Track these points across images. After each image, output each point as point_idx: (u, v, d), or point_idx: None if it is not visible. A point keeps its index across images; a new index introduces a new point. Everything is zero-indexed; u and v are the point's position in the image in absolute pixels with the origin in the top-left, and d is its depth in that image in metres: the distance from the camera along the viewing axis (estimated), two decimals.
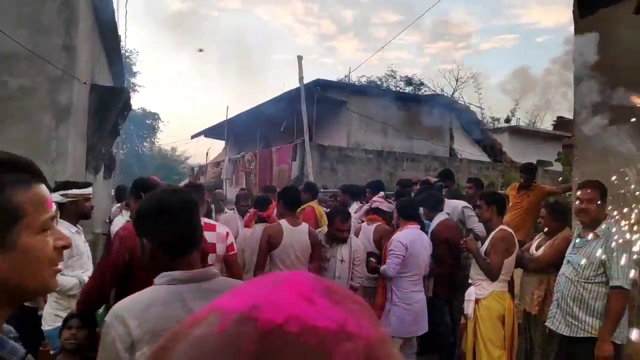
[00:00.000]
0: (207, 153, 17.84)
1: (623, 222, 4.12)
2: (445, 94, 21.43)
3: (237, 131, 15.45)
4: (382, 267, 3.62)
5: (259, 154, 12.77)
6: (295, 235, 3.57)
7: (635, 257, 2.88)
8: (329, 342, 0.32)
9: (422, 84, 24.69)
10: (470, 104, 18.44)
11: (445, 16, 51.22)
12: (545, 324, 3.25)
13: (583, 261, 2.98)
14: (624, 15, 4.17)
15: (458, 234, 4.11)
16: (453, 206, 4.73)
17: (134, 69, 26.67)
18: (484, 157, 14.16)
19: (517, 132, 16.52)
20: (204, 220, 3.12)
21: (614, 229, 2.93)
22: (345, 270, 3.61)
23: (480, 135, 14.53)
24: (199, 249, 1.48)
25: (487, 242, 3.74)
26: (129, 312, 1.26)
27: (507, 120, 19.22)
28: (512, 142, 15.39)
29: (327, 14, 58.51)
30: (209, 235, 3.05)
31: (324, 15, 57.47)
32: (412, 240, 3.62)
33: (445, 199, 4.80)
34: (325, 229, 3.90)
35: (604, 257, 2.88)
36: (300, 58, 10.42)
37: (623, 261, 2.80)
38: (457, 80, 25.22)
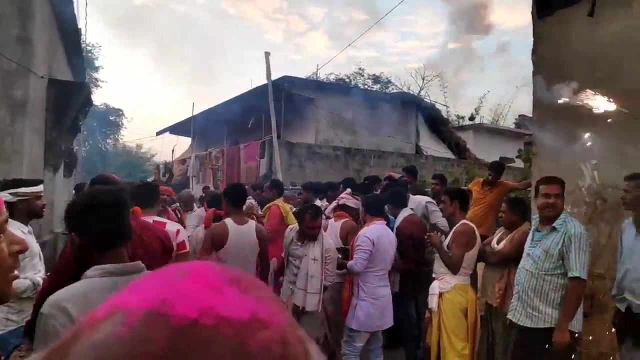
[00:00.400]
0: (173, 150, 17.51)
1: (578, 216, 4.31)
2: (412, 92, 21.76)
3: (204, 128, 15.22)
4: (350, 263, 3.65)
5: (226, 151, 12.62)
6: (242, 233, 3.51)
7: (589, 249, 3.01)
8: (244, 333, 0.31)
9: (389, 82, 25.01)
10: (435, 102, 18.79)
11: (412, 15, 51.99)
12: (507, 316, 3.35)
13: (542, 254, 3.08)
14: (580, 17, 4.32)
15: (422, 230, 4.18)
16: (417, 201, 4.82)
17: (96, 63, 25.85)
18: (449, 154, 14.46)
19: (481, 130, 16.96)
20: (154, 218, 3.10)
21: (570, 223, 3.04)
22: (318, 269, 3.57)
23: (445, 133, 14.84)
24: (126, 244, 1.53)
25: (449, 236, 3.84)
26: (69, 300, 1.27)
27: (472, 119, 19.71)
28: (476, 139, 15.79)
29: (296, 10, 58.36)
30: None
31: (293, 12, 57.31)
32: (378, 235, 3.66)
33: (410, 195, 4.88)
34: (295, 226, 3.88)
35: (562, 249, 2.99)
36: (267, 54, 10.35)
37: (580, 253, 2.91)
38: (423, 79, 25.66)
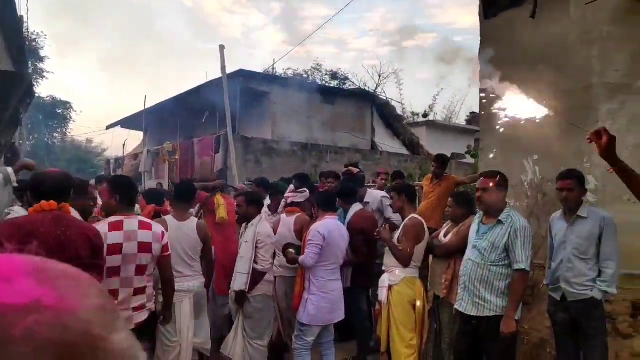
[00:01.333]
0: (124, 145, 16.93)
1: (520, 209, 4.51)
2: (368, 89, 22.02)
3: (156, 122, 14.80)
4: (301, 258, 3.66)
5: (180, 146, 12.33)
6: (182, 230, 3.48)
7: (532, 241, 3.15)
8: (12, 318, 0.32)
9: (346, 78, 25.18)
10: (391, 99, 19.09)
11: (370, 12, 52.52)
12: (455, 306, 3.46)
13: (489, 246, 3.20)
14: (523, 18, 4.51)
15: (373, 224, 4.25)
16: (374, 196, 4.90)
17: (42, 53, 24.53)
18: (403, 150, 14.76)
19: (434, 127, 17.41)
20: (140, 218, 2.99)
21: (515, 217, 3.17)
22: (248, 251, 3.77)
23: (399, 130, 15.13)
24: None
25: (399, 230, 3.92)
26: None
27: (425, 116, 20.18)
28: (429, 136, 16.19)
29: (255, 4, 57.65)
30: (145, 235, 2.90)
31: (252, 5, 56.58)
32: (329, 230, 3.69)
33: (368, 189, 4.96)
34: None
35: (507, 242, 3.11)
36: (222, 48, 10.14)
37: (525, 246, 3.04)
38: (379, 76, 26.00)
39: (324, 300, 3.64)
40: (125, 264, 2.82)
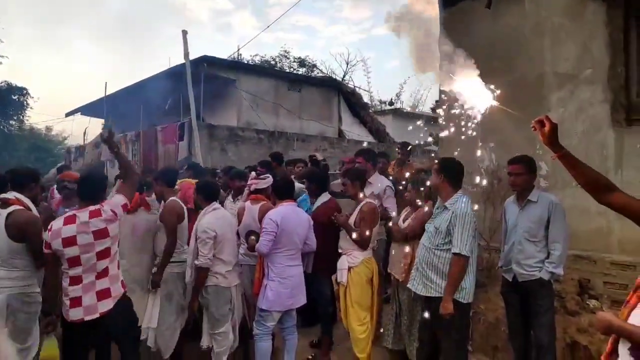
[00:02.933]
0: (84, 132, 16.39)
1: (476, 195, 4.65)
2: (336, 77, 22.02)
3: (118, 109, 14.37)
4: (257, 245, 3.68)
5: (142, 134, 12.04)
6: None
7: (473, 227, 3.17)
8: None
9: (314, 66, 25.07)
10: (359, 87, 19.19)
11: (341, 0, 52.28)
12: (407, 285, 3.56)
13: (434, 230, 3.30)
14: (479, 9, 4.61)
15: (339, 212, 4.26)
16: (380, 182, 4.90)
17: None
18: (370, 138, 14.88)
19: (400, 115, 17.62)
20: (90, 208, 2.98)
21: (459, 202, 3.24)
22: (192, 244, 3.79)
23: (365, 118, 15.23)
24: None
25: (354, 215, 4.00)
26: None
27: (391, 104, 20.38)
28: (395, 123, 16.38)
29: None
30: (97, 222, 2.95)
31: None
32: (283, 216, 3.70)
33: (377, 174, 4.99)
34: None
35: (449, 226, 3.20)
36: (185, 33, 9.93)
37: (463, 231, 3.11)
38: (347, 64, 26.02)
39: (282, 285, 3.67)
40: (84, 253, 2.89)
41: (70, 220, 2.92)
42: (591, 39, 3.97)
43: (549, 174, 4.20)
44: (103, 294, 2.92)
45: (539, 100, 4.21)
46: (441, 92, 5.16)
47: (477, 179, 4.74)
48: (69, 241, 2.86)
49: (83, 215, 2.94)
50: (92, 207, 2.99)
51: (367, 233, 3.87)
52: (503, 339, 4.12)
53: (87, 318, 2.86)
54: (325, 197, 4.46)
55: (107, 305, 2.92)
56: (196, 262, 3.67)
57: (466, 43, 4.84)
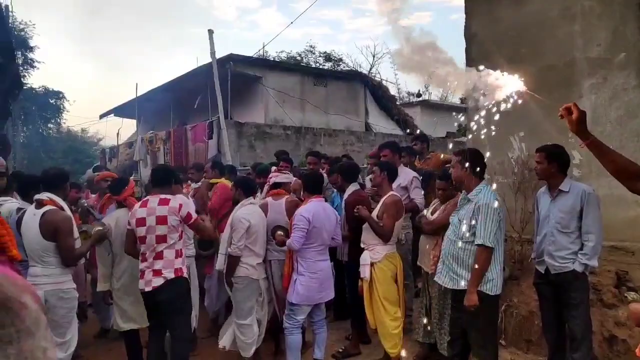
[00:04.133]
0: (118, 133, 16.86)
1: (507, 186, 4.55)
2: (363, 70, 21.89)
3: (149, 109, 14.73)
4: (288, 241, 3.73)
5: (173, 133, 12.30)
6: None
7: (497, 218, 3.11)
8: None
9: (340, 59, 25.00)
10: (385, 79, 19.01)
11: None
12: (434, 278, 3.53)
13: (457, 222, 3.26)
14: None
15: (368, 203, 4.26)
16: (406, 174, 4.86)
17: (31, 43, 24.21)
18: (397, 131, 14.75)
19: (428, 106, 17.37)
20: (161, 196, 3.49)
21: (482, 193, 3.18)
22: (227, 234, 3.98)
23: (393, 110, 15.09)
24: None
25: (378, 207, 3.99)
26: None
27: (419, 95, 20.12)
28: (423, 115, 16.17)
29: None
30: (162, 209, 3.44)
31: None
32: (314, 213, 3.74)
33: (403, 166, 4.97)
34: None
35: (472, 218, 3.15)
36: (211, 32, 10.05)
37: (486, 222, 3.06)
38: (373, 57, 25.82)
39: (312, 280, 3.71)
40: (148, 234, 3.42)
41: (144, 203, 3.48)
42: (624, 22, 3.81)
43: (583, 163, 4.07)
44: (157, 273, 3.40)
45: (570, 87, 4.08)
46: (468, 81, 5.06)
47: (507, 170, 4.65)
48: (140, 222, 3.41)
49: (153, 200, 3.47)
50: (162, 196, 3.50)
51: (390, 226, 3.85)
52: (537, 333, 4.04)
53: (146, 289, 3.39)
54: (354, 186, 4.46)
55: (158, 282, 3.39)
56: (229, 249, 3.86)
57: (492, 29, 4.78)
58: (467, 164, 3.23)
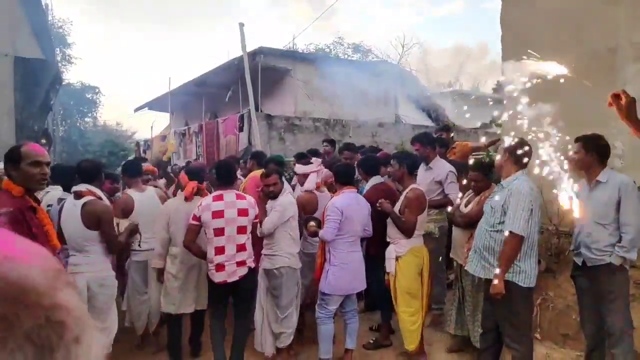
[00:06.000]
0: (151, 126, 17.26)
1: (535, 176, 4.43)
2: (391, 61, 21.63)
3: (182, 102, 15.02)
4: (321, 232, 3.75)
5: (205, 125, 12.50)
6: (144, 199, 4.22)
7: (530, 207, 3.04)
8: None
9: (369, 51, 24.78)
10: (415, 70, 18.76)
11: None
12: (465, 267, 3.48)
13: (490, 210, 3.20)
14: None
15: (390, 196, 4.21)
16: (441, 167, 4.81)
17: (69, 39, 25.03)
18: (428, 122, 14.54)
19: (459, 96, 17.04)
20: (235, 191, 3.79)
21: (517, 181, 3.12)
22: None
23: (423, 101, 14.87)
24: None
25: (400, 201, 3.93)
26: None
27: (450, 85, 19.75)
28: (454, 106, 15.88)
29: None
30: (242, 203, 3.72)
31: None
32: (347, 204, 3.74)
33: (438, 158, 4.91)
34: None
35: (504, 205, 3.08)
36: (242, 25, 10.10)
37: (517, 209, 2.99)
38: (403, 47, 25.48)
39: (344, 270, 3.72)
40: (228, 226, 3.62)
41: (218, 198, 3.66)
42: None
43: (626, 153, 3.91)
44: (241, 264, 3.64)
45: (613, 74, 3.92)
46: (504, 69, 4.93)
47: (544, 161, 4.51)
48: (218, 214, 3.58)
49: (229, 195, 3.69)
50: (236, 191, 3.81)
51: (412, 220, 3.78)
52: (574, 327, 3.94)
53: (230, 280, 3.59)
54: (376, 179, 4.43)
55: (243, 271, 3.65)
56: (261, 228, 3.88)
57: (530, 15, 4.63)
58: (508, 152, 3.18)
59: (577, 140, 3.40)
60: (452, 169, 4.79)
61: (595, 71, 4.04)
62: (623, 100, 1.75)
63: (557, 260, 4.50)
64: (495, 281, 3.01)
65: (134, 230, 3.85)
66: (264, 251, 3.93)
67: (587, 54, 4.13)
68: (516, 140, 3.30)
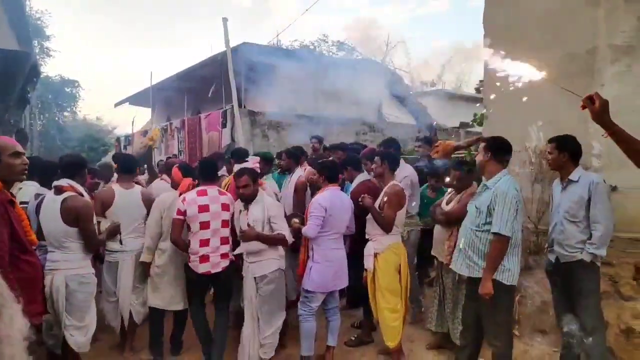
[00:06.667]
0: (132, 122, 17.00)
1: (524, 176, 4.50)
2: (376, 59, 21.68)
3: (164, 97, 14.79)
4: (304, 229, 3.74)
5: (187, 121, 12.35)
6: (128, 197, 4.10)
7: (515, 207, 3.07)
8: None
9: (353, 49, 24.78)
10: (399, 68, 18.84)
11: None
12: (450, 266, 3.52)
13: (475, 210, 3.23)
14: None
15: (374, 194, 4.22)
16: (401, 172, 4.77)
17: (47, 32, 24.45)
18: (411, 120, 14.62)
19: (442, 96, 17.17)
20: (217, 187, 3.93)
21: (502, 181, 3.15)
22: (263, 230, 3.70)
23: (406, 99, 14.94)
24: None
25: (380, 197, 3.96)
26: None
27: (433, 84, 19.89)
28: (436, 105, 15.99)
29: None
30: (224, 198, 3.88)
31: None
32: (331, 201, 3.74)
33: (404, 163, 4.90)
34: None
35: (490, 206, 3.12)
36: (225, 20, 10.03)
37: (503, 210, 3.03)
38: (387, 45, 25.55)
39: (327, 268, 3.72)
40: (213, 220, 3.74)
41: (202, 193, 3.78)
42: None
43: (603, 154, 3.99)
44: (224, 256, 3.78)
45: (592, 75, 3.99)
46: (486, 68, 4.98)
47: (524, 160, 4.58)
48: (204, 208, 3.70)
49: (212, 190, 3.84)
50: (217, 187, 3.94)
51: (391, 216, 3.81)
52: (551, 323, 4.01)
53: (214, 271, 3.70)
54: (362, 177, 4.44)
55: (225, 263, 3.78)
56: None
57: (513, 15, 4.68)
58: (490, 151, 3.21)
59: (550, 141, 3.52)
60: (408, 173, 4.78)
61: (575, 72, 4.11)
62: (596, 103, 1.79)
63: (536, 258, 4.57)
64: (485, 282, 3.04)
65: (114, 230, 3.80)
66: (249, 258, 3.73)
67: (566, 55, 4.20)
68: (497, 139, 3.35)
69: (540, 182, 4.50)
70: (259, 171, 4.26)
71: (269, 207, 3.74)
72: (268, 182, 4.70)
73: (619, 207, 3.82)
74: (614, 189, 3.88)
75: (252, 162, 4.56)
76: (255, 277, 3.68)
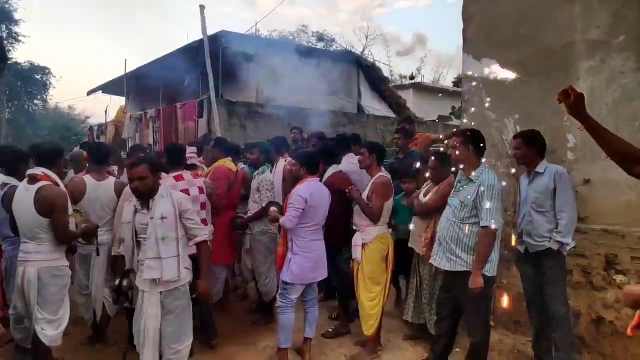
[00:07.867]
0: (106, 111, 16.55)
1: (499, 168, 4.55)
2: (355, 51, 21.67)
3: (138, 86, 14.45)
4: (281, 219, 3.69)
5: (162, 110, 12.09)
6: (100, 189, 3.94)
7: (501, 200, 3.14)
8: None
9: (333, 40, 24.74)
10: (378, 61, 18.87)
11: None
12: (429, 260, 3.54)
13: (459, 204, 3.25)
14: None
15: (347, 185, 4.21)
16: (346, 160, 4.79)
17: (16, 16, 23.59)
18: (390, 113, 14.69)
19: (421, 89, 17.29)
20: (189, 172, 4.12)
21: (485, 175, 3.17)
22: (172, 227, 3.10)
23: (385, 92, 15.00)
24: None
25: (367, 188, 4.00)
26: None
27: (411, 77, 20.02)
28: (415, 98, 16.11)
29: None
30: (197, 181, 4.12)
31: None
32: (311, 193, 3.71)
33: (350, 155, 4.91)
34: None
35: (476, 199, 3.14)
36: (202, 8, 9.80)
37: (489, 203, 3.06)
38: (366, 38, 25.58)
39: (306, 259, 3.69)
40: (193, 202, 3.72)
41: (179, 178, 3.95)
42: (625, 4, 3.77)
43: (577, 147, 4.06)
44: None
45: (567, 70, 4.04)
46: (464, 62, 5.00)
47: (501, 153, 4.63)
48: (184, 192, 3.76)
49: (187, 175, 4.03)
50: (190, 172, 4.12)
51: (379, 206, 3.87)
52: (525, 314, 4.08)
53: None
54: (335, 167, 4.45)
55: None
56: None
57: (490, 10, 4.70)
58: (470, 144, 3.23)
59: (516, 136, 3.64)
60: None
61: (551, 67, 4.17)
62: (572, 97, 1.80)
63: (511, 250, 4.64)
64: (475, 277, 3.06)
65: (91, 232, 3.61)
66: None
67: (543, 49, 4.24)
68: (475, 132, 3.37)
69: (516, 175, 4.56)
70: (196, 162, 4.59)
71: (180, 201, 3.14)
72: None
73: (591, 199, 3.91)
74: (587, 181, 3.96)
75: (189, 152, 4.55)
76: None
